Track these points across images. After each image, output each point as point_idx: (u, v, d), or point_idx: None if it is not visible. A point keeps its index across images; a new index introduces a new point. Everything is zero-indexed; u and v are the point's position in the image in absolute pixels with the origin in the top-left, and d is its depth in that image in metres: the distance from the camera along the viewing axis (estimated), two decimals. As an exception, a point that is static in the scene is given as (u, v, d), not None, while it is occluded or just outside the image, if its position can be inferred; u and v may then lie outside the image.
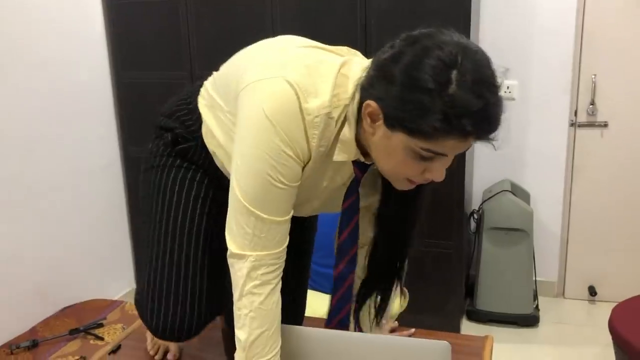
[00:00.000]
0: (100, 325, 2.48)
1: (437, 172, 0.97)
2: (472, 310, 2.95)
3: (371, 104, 0.94)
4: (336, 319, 1.28)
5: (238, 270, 1.04)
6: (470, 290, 3.02)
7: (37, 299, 2.57)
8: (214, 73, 1.25)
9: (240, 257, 1.04)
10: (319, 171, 1.07)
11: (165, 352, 1.41)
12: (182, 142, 1.24)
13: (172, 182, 1.26)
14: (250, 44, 1.17)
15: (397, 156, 0.95)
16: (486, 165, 3.11)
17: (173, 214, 1.25)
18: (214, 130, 1.18)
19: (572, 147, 3.01)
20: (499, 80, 0.90)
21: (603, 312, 2.68)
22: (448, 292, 2.74)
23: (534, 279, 2.91)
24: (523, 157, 3.06)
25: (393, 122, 0.92)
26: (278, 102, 0.97)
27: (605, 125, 2.94)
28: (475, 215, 2.97)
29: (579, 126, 2.98)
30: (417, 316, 2.57)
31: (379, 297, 1.28)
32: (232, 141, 1.10)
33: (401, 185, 1.04)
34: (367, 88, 0.96)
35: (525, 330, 2.86)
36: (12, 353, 2.29)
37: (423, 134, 0.89)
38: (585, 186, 3.04)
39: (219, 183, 1.25)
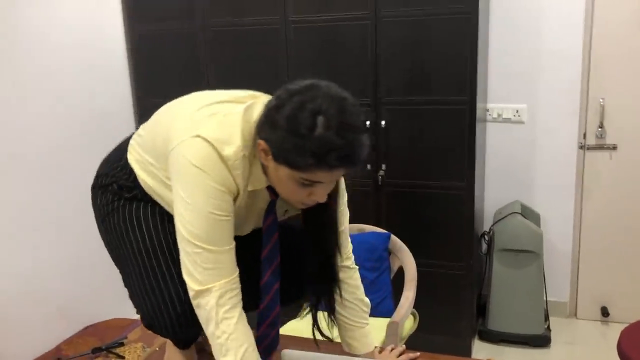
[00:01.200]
0: (121, 344, 2.56)
1: (320, 195, 1.20)
2: (484, 331, 2.99)
3: (262, 143, 1.16)
4: (265, 324, 1.43)
5: (206, 304, 1.20)
6: (482, 311, 3.05)
7: (61, 318, 2.67)
8: (138, 132, 1.45)
9: (204, 292, 1.20)
10: (245, 200, 1.27)
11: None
12: (127, 192, 1.43)
13: (128, 215, 1.42)
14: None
15: (285, 184, 1.18)
16: (497, 186, 3.16)
17: (147, 236, 1.38)
18: (147, 181, 1.38)
19: (581, 169, 3.05)
20: (364, 123, 1.12)
21: (616, 332, 2.67)
22: (459, 312, 2.78)
23: (544, 299, 2.93)
24: (533, 179, 3.11)
25: (278, 158, 1.14)
26: (200, 154, 1.17)
27: (614, 147, 2.98)
28: (486, 237, 3.02)
29: (588, 149, 3.02)
30: (428, 336, 2.62)
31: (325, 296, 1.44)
32: (167, 187, 1.32)
33: (297, 206, 1.27)
34: (260, 130, 1.17)
35: (537, 351, 2.89)
36: (37, 371, 2.38)
37: (300, 167, 1.12)
38: (595, 207, 3.07)
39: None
